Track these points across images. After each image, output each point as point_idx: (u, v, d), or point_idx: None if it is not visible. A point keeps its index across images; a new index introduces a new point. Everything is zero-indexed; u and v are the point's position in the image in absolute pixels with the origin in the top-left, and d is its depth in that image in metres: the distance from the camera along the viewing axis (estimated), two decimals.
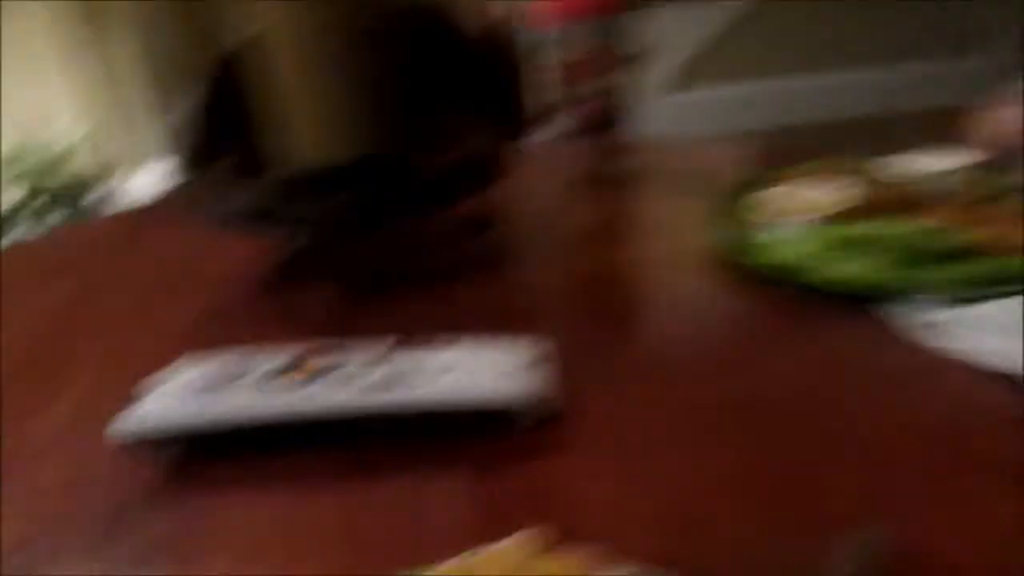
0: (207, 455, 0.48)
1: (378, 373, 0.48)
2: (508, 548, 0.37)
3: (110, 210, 2.47)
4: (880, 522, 0.39)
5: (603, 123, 0.81)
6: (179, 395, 0.48)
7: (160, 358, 0.61)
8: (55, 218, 2.30)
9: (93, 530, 0.45)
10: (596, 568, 0.36)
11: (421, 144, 0.67)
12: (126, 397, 0.50)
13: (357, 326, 0.63)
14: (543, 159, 0.86)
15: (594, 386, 0.52)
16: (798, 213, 0.66)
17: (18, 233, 2.29)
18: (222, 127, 0.80)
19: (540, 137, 0.86)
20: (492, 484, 0.45)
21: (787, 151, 0.89)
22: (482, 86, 0.81)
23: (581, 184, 0.84)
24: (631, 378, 0.53)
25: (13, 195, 2.27)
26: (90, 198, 2.34)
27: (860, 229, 0.62)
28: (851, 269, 0.59)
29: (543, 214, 0.80)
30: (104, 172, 2.44)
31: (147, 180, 2.65)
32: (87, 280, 0.76)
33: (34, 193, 2.26)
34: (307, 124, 0.63)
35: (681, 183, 0.85)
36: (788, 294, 0.60)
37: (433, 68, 0.72)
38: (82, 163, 2.38)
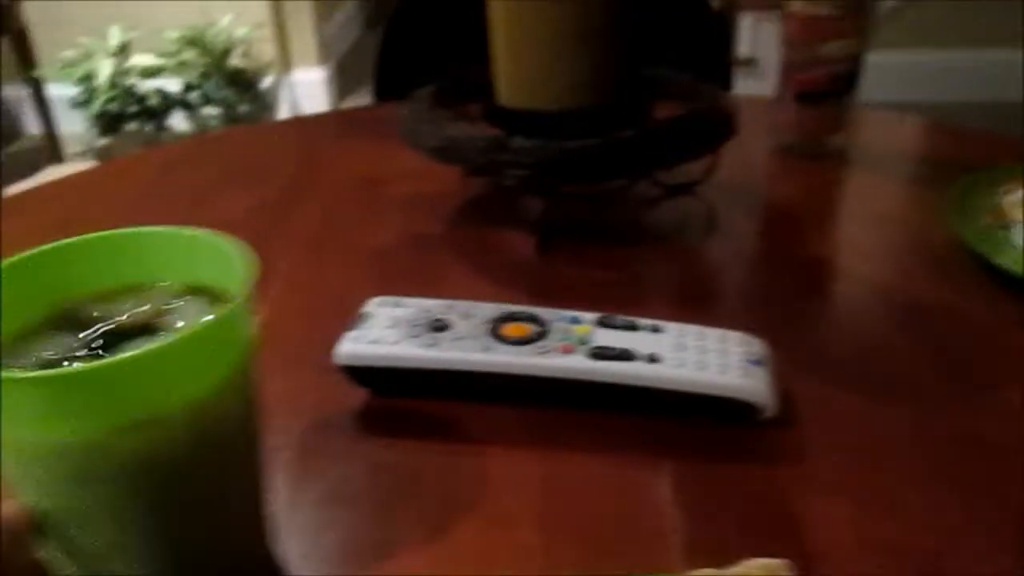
0: (410, 396, 0.47)
1: (599, 343, 0.45)
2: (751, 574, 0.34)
3: (271, 106, 2.52)
4: None
5: (828, 90, 0.74)
6: (394, 332, 0.46)
7: (354, 279, 0.60)
8: (211, 111, 2.36)
9: (292, 459, 0.44)
10: None
11: (646, 96, 0.63)
12: (319, 316, 0.49)
13: (552, 278, 0.60)
14: (751, 120, 0.80)
15: (817, 389, 0.48)
16: None
17: (176, 121, 2.36)
18: (425, 53, 0.77)
19: (752, 93, 0.80)
20: (709, 479, 0.42)
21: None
22: (695, 35, 0.76)
23: (792, 153, 0.78)
24: (858, 386, 0.48)
25: (172, 85, 2.34)
26: (253, 92, 2.39)
27: None
28: None
29: (748, 183, 0.74)
30: (266, 68, 2.48)
31: (307, 79, 2.70)
32: (279, 188, 0.76)
33: (188, 88, 2.32)
34: (534, 67, 0.59)
35: (904, 164, 0.78)
36: None
37: (652, 17, 0.67)
38: (245, 59, 2.43)
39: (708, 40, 0.77)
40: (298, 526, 0.40)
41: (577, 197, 0.67)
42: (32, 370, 0.30)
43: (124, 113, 2.29)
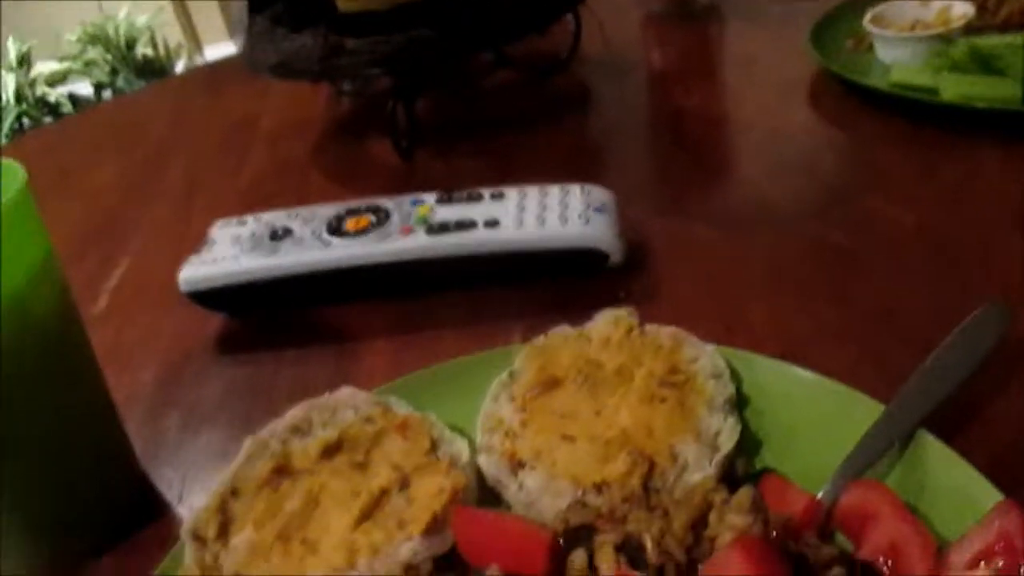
0: (264, 309, 0.46)
1: (440, 219, 0.44)
2: (601, 324, 0.36)
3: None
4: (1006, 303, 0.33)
5: None
6: (235, 249, 0.45)
7: (223, 215, 0.58)
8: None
9: (164, 381, 0.43)
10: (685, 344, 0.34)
11: None
12: (184, 257, 0.47)
13: (421, 177, 0.59)
14: None
15: (686, 229, 0.47)
16: (919, 28, 0.58)
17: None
18: None
19: None
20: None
21: None
22: None
23: (663, 17, 0.76)
24: (723, 221, 0.47)
25: (83, 88, 2.28)
26: (170, 72, 2.33)
27: (991, 42, 0.53)
28: (978, 87, 0.51)
29: (622, 53, 0.73)
30: (176, 52, 2.43)
31: (220, 54, 2.63)
32: (151, 147, 0.74)
33: (99, 86, 2.26)
34: None
35: (775, 9, 0.76)
36: (904, 121, 0.53)
37: None
38: (152, 47, 2.37)
39: None
40: (162, 447, 0.39)
41: (440, 94, 0.66)
42: None
43: (39, 125, 2.23)
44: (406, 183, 0.58)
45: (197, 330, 0.46)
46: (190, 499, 0.36)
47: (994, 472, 0.27)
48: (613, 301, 0.42)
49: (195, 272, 0.45)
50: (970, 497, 0.27)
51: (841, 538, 0.28)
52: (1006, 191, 0.45)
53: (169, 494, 0.37)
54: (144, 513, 0.36)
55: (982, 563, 0.24)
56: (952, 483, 0.27)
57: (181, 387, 0.43)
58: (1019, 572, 0.23)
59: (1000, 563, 0.23)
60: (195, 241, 0.49)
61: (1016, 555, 0.23)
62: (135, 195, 0.65)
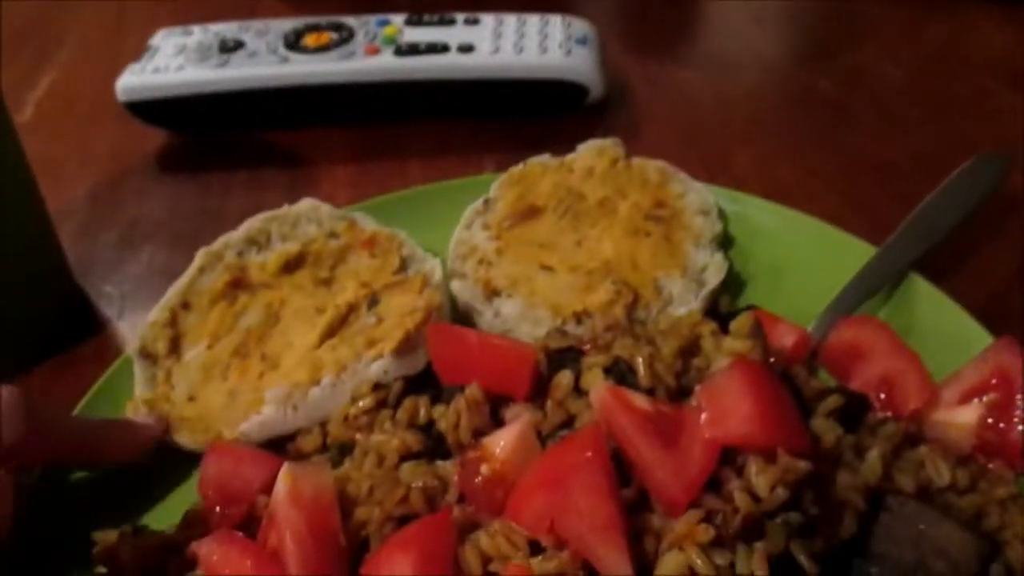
0: (211, 127, 0.42)
1: (409, 40, 0.40)
2: (585, 155, 0.35)
3: None
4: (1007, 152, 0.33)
5: None
6: (180, 59, 0.40)
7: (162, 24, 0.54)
8: None
9: (100, 197, 0.40)
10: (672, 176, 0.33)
11: None
12: (118, 70, 0.43)
13: (383, 9, 0.54)
14: None
15: (667, 71, 0.44)
16: None
17: None
18: None
19: None
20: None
21: None
22: None
23: None
24: (706, 64, 0.45)
25: None
26: None
27: None
28: None
29: None
30: None
31: None
32: None
33: None
34: None
35: None
36: None
37: None
38: None
39: None
40: (100, 263, 0.36)
41: None
42: None
43: None
44: (367, 10, 0.53)
45: (136, 146, 0.43)
46: (131, 316, 0.33)
47: (983, 317, 0.26)
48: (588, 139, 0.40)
49: (135, 81, 0.40)
50: (958, 339, 0.26)
51: (824, 375, 0.27)
52: (997, 49, 0.44)
53: (108, 311, 0.34)
54: (81, 328, 0.33)
55: (975, 399, 0.23)
56: (940, 325, 0.27)
57: (119, 204, 0.40)
58: (1014, 405, 0.22)
59: (993, 397, 0.23)
60: (129, 56, 0.45)
61: (1012, 389, 0.23)
62: (60, 5, 0.59)
